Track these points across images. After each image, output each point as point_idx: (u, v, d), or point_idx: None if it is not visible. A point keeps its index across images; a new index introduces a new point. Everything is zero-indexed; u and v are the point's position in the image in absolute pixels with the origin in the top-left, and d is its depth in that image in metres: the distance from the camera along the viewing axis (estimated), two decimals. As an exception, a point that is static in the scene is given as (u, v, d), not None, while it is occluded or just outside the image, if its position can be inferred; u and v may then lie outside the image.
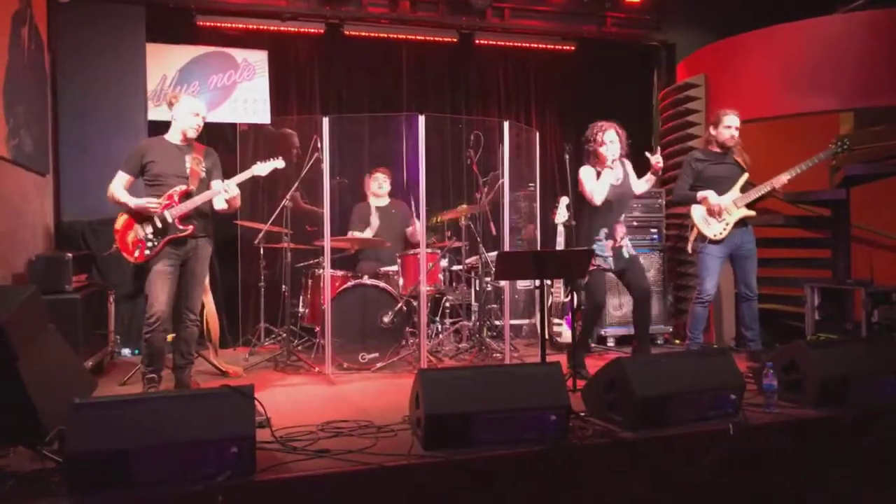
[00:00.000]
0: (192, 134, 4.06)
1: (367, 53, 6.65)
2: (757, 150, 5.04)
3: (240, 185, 4.11)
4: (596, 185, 4.48)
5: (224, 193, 4.03)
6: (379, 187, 5.72)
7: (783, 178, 4.64)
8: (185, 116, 4.03)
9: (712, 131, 4.87)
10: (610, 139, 4.46)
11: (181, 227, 3.94)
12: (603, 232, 4.51)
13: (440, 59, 6.92)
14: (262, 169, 4.24)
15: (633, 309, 4.72)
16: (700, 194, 4.76)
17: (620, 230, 4.54)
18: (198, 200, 3.98)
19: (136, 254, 3.92)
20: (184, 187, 3.99)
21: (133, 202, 3.90)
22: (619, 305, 5.89)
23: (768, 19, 5.87)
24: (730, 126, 4.78)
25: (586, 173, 4.56)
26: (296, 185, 4.96)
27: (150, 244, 3.90)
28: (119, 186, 3.97)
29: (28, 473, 2.52)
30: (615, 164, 4.47)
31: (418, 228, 5.63)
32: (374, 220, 5.59)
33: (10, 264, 4.50)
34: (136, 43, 5.78)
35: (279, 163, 4.31)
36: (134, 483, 2.40)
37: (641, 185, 4.64)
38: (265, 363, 5.06)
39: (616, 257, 4.51)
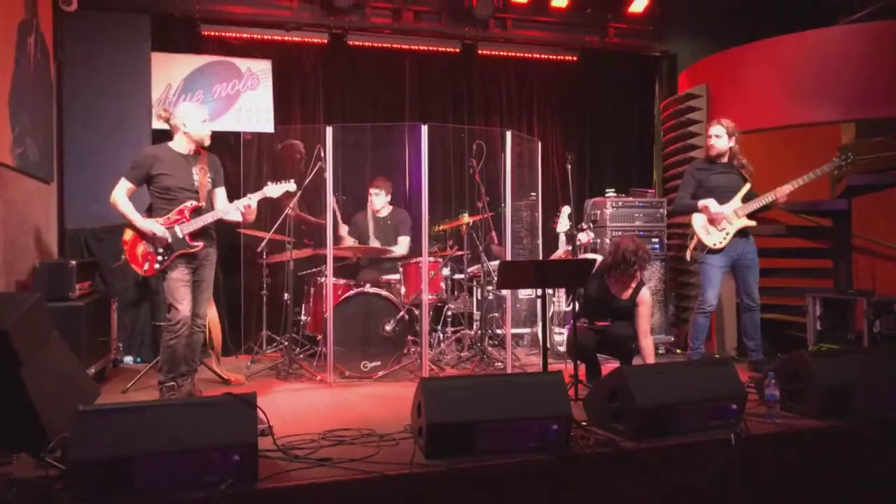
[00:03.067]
0: (209, 142, 4.08)
1: (371, 63, 6.68)
2: (758, 161, 5.06)
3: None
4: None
5: (235, 212, 4.09)
6: (374, 202, 5.69)
7: (786, 189, 4.66)
8: (195, 125, 4.01)
9: (706, 145, 4.93)
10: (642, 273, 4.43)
11: (191, 243, 3.96)
12: (583, 320, 4.50)
13: (443, 69, 6.95)
14: (273, 191, 4.28)
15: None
16: (701, 203, 4.77)
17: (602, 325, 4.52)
18: (208, 218, 4.00)
19: (146, 267, 3.93)
20: (194, 203, 4.00)
21: (140, 223, 3.89)
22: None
23: (770, 31, 5.90)
24: (710, 136, 4.83)
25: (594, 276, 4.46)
26: (298, 193, 4.97)
27: (159, 258, 3.91)
28: (123, 196, 3.95)
29: (31, 480, 2.52)
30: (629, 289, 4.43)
31: (400, 248, 5.62)
32: (366, 234, 5.64)
33: (15, 271, 4.52)
34: (142, 52, 5.81)
35: (290, 186, 4.35)
36: (136, 490, 2.40)
37: (644, 323, 4.47)
38: (267, 371, 5.07)
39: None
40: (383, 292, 5.01)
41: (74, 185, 5.60)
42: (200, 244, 3.99)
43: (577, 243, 4.76)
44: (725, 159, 4.86)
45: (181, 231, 3.94)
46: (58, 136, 5.53)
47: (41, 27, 5.14)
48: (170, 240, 3.91)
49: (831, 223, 5.59)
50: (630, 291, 4.43)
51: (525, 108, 7.25)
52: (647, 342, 4.43)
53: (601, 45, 7.12)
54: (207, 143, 4.08)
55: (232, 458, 2.49)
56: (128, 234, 3.96)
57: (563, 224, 5.30)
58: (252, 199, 4.13)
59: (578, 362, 4.22)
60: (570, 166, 4.62)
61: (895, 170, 5.38)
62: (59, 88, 5.55)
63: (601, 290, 4.47)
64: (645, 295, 4.45)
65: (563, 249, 5.22)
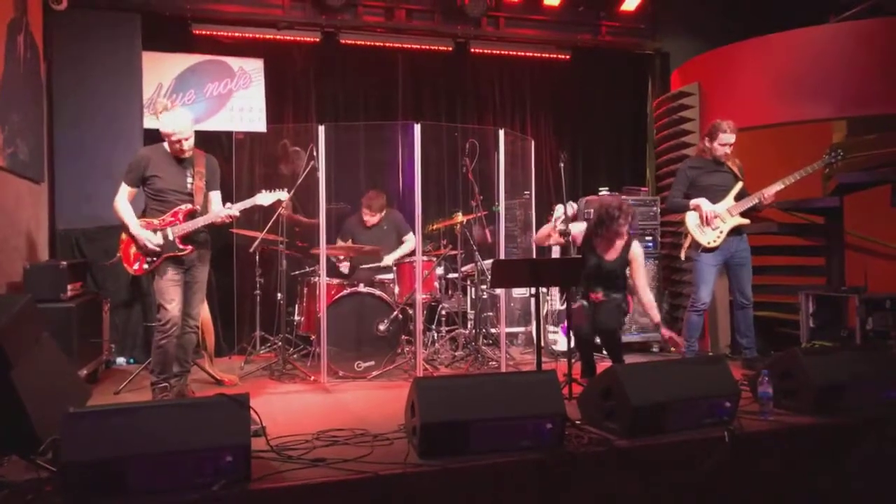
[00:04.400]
0: (183, 155, 4.02)
1: (363, 62, 6.66)
2: (749, 159, 5.07)
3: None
4: (543, 231, 4.61)
5: (227, 219, 4.08)
6: (371, 216, 5.68)
7: (772, 190, 4.67)
8: (167, 139, 3.96)
9: (707, 143, 4.88)
10: (626, 229, 4.36)
11: (181, 246, 3.96)
12: (581, 291, 4.50)
13: (435, 67, 6.94)
14: (265, 199, 4.27)
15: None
16: (693, 202, 4.78)
17: (597, 296, 4.46)
18: (200, 222, 4.00)
19: (136, 266, 3.95)
20: (189, 206, 4.00)
21: (134, 230, 3.89)
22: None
23: (761, 29, 5.92)
24: (724, 143, 4.79)
25: (576, 228, 4.55)
26: (290, 193, 4.95)
27: (149, 259, 3.92)
28: (124, 200, 3.96)
29: (22, 483, 2.50)
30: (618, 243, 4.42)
31: (411, 244, 5.63)
32: (359, 239, 5.64)
33: (5, 272, 4.49)
34: (133, 51, 5.77)
35: (282, 194, 4.35)
36: (128, 492, 2.38)
37: (641, 279, 4.47)
38: (260, 372, 5.05)
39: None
40: (377, 292, 5.00)
41: (65, 185, 5.57)
42: (189, 248, 3.99)
43: (561, 215, 4.59)
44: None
45: (172, 233, 3.94)
46: (48, 135, 5.50)
47: (31, 26, 5.10)
48: (159, 249, 3.90)
49: (823, 220, 5.60)
50: (618, 252, 4.42)
51: (518, 107, 7.25)
52: (648, 297, 4.44)
53: (594, 43, 7.12)
54: (182, 155, 4.02)
55: (225, 459, 2.47)
56: (125, 234, 3.98)
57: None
58: (234, 209, 4.11)
59: (575, 359, 4.21)
60: (563, 164, 4.61)
61: (886, 167, 5.40)
62: (49, 88, 5.52)
63: (590, 254, 4.45)
64: (636, 251, 4.43)
65: (549, 226, 4.99)
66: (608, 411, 3.19)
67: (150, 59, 5.90)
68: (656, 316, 4.46)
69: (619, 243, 4.42)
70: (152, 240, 3.88)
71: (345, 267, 5.56)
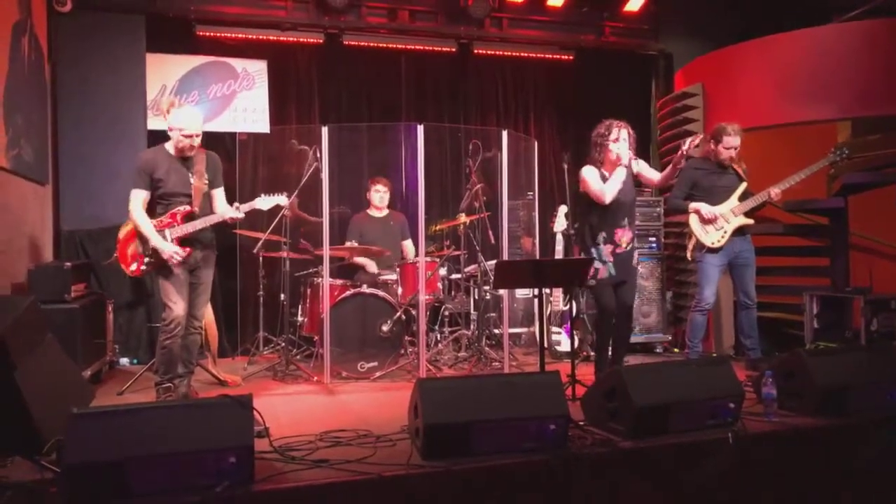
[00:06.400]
0: (189, 153, 4.01)
1: (367, 63, 6.67)
2: (754, 159, 5.05)
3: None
4: (607, 184, 4.19)
5: (231, 220, 4.08)
6: (380, 200, 5.72)
7: (779, 188, 4.66)
8: (176, 135, 3.94)
9: (712, 146, 4.85)
10: (623, 137, 4.22)
11: (178, 248, 3.92)
12: (602, 236, 4.26)
13: (439, 68, 6.94)
14: (263, 203, 4.23)
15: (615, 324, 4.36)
16: (692, 206, 4.76)
17: (626, 235, 4.26)
18: (198, 224, 3.97)
19: (133, 267, 3.94)
20: (187, 208, 3.97)
21: (154, 241, 3.85)
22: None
23: (765, 29, 5.91)
24: (729, 147, 4.76)
25: (590, 173, 4.26)
26: (294, 193, 4.96)
27: (147, 260, 3.91)
28: (139, 209, 3.91)
29: (26, 484, 2.51)
30: (630, 162, 4.20)
31: (410, 251, 5.65)
32: (368, 235, 5.63)
33: (10, 273, 4.50)
34: (136, 52, 5.79)
35: (282, 199, 4.32)
36: (132, 493, 2.39)
37: (655, 174, 4.43)
38: (264, 372, 5.05)
39: (618, 263, 4.25)
40: (380, 293, 5.00)
41: (69, 186, 5.59)
42: (188, 250, 3.95)
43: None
44: None
45: (169, 235, 3.92)
46: (52, 137, 5.52)
47: (35, 28, 5.11)
48: (178, 258, 3.87)
49: (828, 221, 5.58)
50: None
51: (521, 108, 7.24)
52: (662, 173, 4.41)
53: (597, 44, 7.12)
54: (187, 154, 4.00)
55: (228, 460, 2.47)
56: (122, 232, 3.98)
57: (559, 223, 5.31)
58: (240, 211, 4.10)
59: (579, 360, 4.20)
60: (566, 165, 4.61)
61: (891, 168, 5.38)
62: (53, 89, 5.53)
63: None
64: (638, 163, 4.33)
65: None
66: (612, 412, 3.18)
67: (153, 61, 5.91)
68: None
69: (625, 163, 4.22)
70: (180, 252, 3.85)
71: (372, 266, 5.52)
